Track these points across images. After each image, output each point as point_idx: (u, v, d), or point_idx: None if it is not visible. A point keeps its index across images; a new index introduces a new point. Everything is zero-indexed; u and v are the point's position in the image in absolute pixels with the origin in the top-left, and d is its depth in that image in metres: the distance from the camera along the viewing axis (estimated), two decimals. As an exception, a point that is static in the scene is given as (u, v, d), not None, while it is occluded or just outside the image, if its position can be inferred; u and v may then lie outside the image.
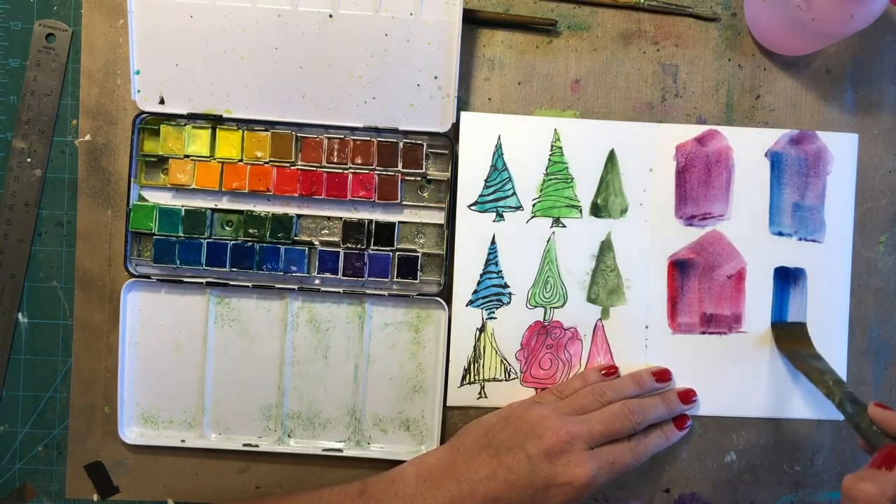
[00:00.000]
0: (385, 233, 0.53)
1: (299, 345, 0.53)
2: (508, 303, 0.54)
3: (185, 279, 0.53)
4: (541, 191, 0.53)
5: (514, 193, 0.53)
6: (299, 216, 0.53)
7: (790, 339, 0.53)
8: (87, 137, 0.53)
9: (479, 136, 0.53)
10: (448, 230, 0.53)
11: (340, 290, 0.53)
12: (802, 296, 0.54)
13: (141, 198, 0.53)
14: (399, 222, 0.53)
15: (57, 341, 0.54)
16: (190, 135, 0.52)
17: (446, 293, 0.53)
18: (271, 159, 0.53)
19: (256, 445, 0.53)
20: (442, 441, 0.53)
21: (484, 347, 0.54)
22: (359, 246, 0.53)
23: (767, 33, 0.53)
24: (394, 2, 0.51)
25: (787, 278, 0.54)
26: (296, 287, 0.53)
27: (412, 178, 0.53)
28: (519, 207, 0.53)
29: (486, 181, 0.53)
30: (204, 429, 0.53)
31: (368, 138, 0.53)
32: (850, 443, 0.55)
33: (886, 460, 0.41)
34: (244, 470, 0.54)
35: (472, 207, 0.53)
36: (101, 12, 0.53)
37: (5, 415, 0.54)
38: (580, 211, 0.54)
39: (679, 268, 0.54)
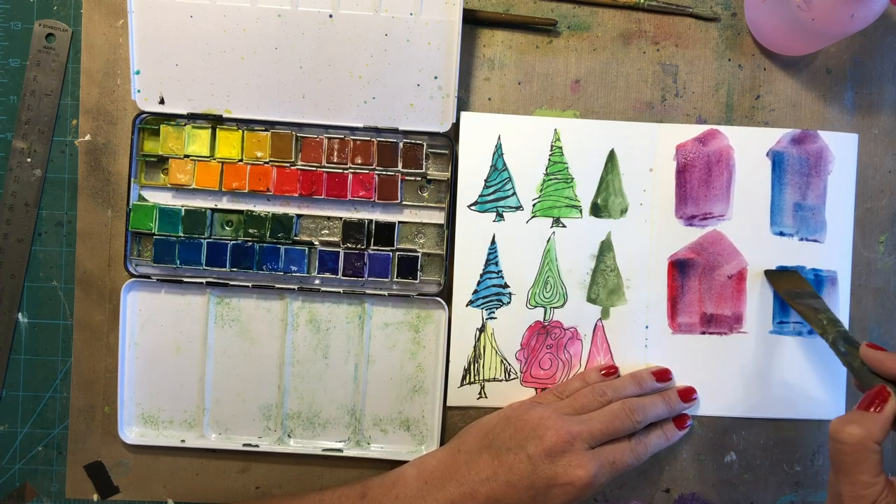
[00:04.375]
0: (385, 233, 0.53)
1: (299, 345, 0.53)
2: (508, 303, 0.54)
3: (185, 279, 0.53)
4: (541, 191, 0.53)
5: (514, 193, 0.53)
6: (299, 216, 0.53)
7: (785, 281, 0.53)
8: (87, 137, 0.53)
9: (479, 136, 0.53)
10: (448, 230, 0.53)
11: (340, 290, 0.53)
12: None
13: (141, 198, 0.53)
14: (399, 222, 0.53)
15: (57, 341, 0.54)
16: (190, 135, 0.52)
17: (446, 293, 0.53)
18: (271, 159, 0.53)
19: (256, 445, 0.53)
20: (442, 441, 0.53)
21: (484, 347, 0.54)
22: (359, 246, 0.53)
23: (767, 33, 0.53)
24: (394, 2, 0.51)
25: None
26: (296, 287, 0.53)
27: (412, 178, 0.53)
28: (519, 207, 0.53)
29: (486, 181, 0.53)
30: (204, 429, 0.53)
31: (368, 138, 0.53)
32: (851, 443, 0.55)
33: (875, 401, 0.40)
34: (244, 470, 0.54)
35: (472, 207, 0.53)
36: (101, 12, 0.53)
37: (5, 415, 0.54)
38: (580, 211, 0.54)
39: (679, 268, 0.54)
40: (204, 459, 0.54)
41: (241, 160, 0.53)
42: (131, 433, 0.53)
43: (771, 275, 0.54)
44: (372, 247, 0.53)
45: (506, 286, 0.53)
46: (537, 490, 0.46)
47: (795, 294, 0.52)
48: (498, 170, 0.53)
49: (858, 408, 0.41)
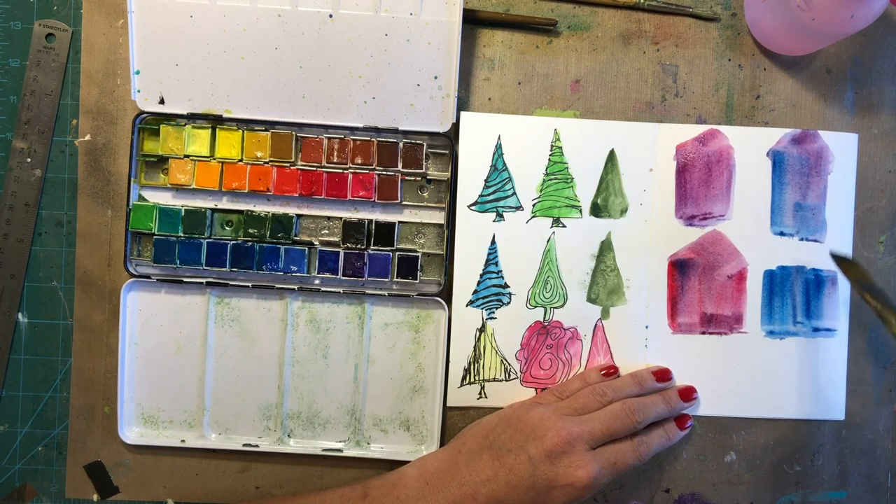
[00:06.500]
0: (385, 233, 0.53)
1: (299, 345, 0.53)
2: (508, 303, 0.54)
3: (185, 279, 0.53)
4: (541, 191, 0.53)
5: (514, 193, 0.53)
6: (299, 216, 0.53)
7: (851, 268, 0.51)
8: (87, 137, 0.53)
9: (479, 136, 0.53)
10: (448, 230, 0.53)
11: (340, 290, 0.53)
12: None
13: (141, 198, 0.53)
14: (399, 222, 0.53)
15: (57, 341, 0.54)
16: (190, 135, 0.52)
17: (446, 293, 0.53)
18: (271, 159, 0.53)
19: (256, 445, 0.53)
20: (442, 442, 0.53)
21: (484, 347, 0.54)
22: (359, 246, 0.53)
23: (767, 33, 0.53)
24: (394, 2, 0.51)
25: (782, 281, 0.54)
26: (296, 287, 0.53)
27: (412, 178, 0.53)
28: (519, 207, 0.53)
29: (486, 181, 0.53)
30: (204, 429, 0.53)
31: (368, 138, 0.53)
32: (851, 443, 0.55)
33: None
34: (244, 470, 0.54)
35: (472, 207, 0.53)
36: (101, 12, 0.53)
37: (5, 415, 0.54)
38: (580, 211, 0.54)
39: (679, 268, 0.54)
40: (204, 459, 0.54)
41: (241, 160, 0.53)
42: (131, 433, 0.53)
43: (839, 260, 0.52)
44: (372, 247, 0.53)
45: (506, 286, 0.53)
46: (538, 491, 0.46)
47: (864, 285, 0.49)
48: (498, 170, 0.53)
49: None
